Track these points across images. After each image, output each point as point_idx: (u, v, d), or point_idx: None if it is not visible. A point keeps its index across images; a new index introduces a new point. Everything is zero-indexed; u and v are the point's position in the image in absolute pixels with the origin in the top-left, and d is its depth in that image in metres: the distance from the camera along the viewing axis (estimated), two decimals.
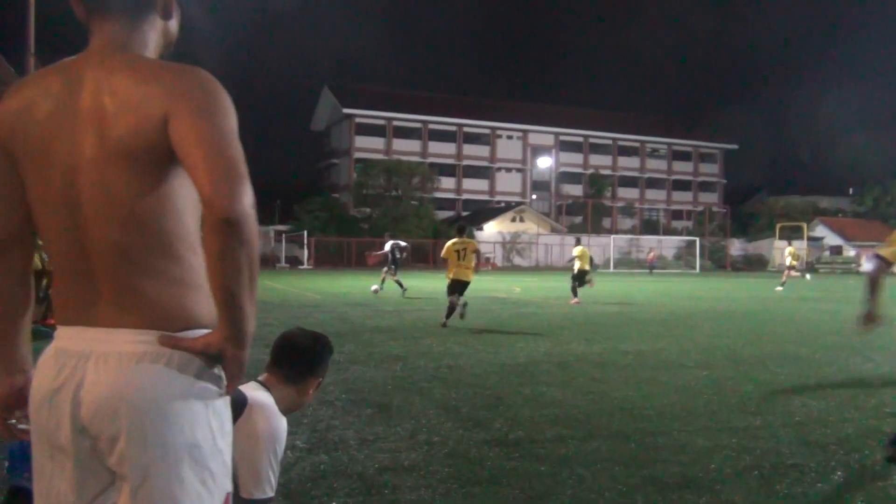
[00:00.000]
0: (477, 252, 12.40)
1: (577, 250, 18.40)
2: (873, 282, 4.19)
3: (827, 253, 64.05)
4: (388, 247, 20.43)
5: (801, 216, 65.74)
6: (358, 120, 63.77)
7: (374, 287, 19.50)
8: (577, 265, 18.24)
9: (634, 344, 9.75)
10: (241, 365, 1.55)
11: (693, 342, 10.04)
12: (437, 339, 10.10)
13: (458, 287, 12.13)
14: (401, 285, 19.32)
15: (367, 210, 53.67)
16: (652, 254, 52.59)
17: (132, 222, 1.53)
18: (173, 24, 1.71)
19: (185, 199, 1.56)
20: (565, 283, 29.11)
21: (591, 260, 18.93)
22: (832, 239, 65.85)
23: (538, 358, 8.40)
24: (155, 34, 1.66)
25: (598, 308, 16.12)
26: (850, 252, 64.66)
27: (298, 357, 2.59)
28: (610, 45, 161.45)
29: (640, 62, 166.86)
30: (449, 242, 12.41)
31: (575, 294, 17.71)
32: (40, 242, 1.70)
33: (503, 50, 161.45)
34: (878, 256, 4.16)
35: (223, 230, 1.43)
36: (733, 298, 20.85)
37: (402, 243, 21.26)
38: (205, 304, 1.57)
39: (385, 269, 19.93)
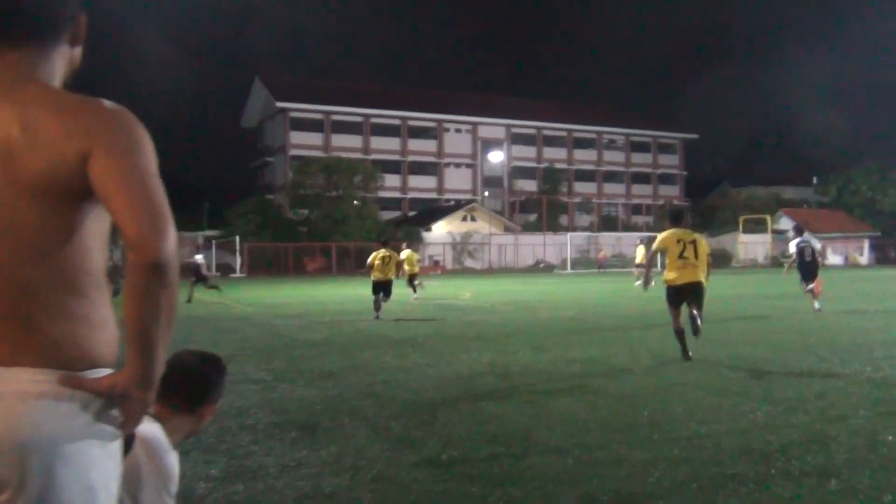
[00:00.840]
0: (398, 264, 15.81)
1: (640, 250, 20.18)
2: (650, 261, 10.44)
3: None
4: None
5: (765, 208, 67.59)
6: (293, 114, 63.32)
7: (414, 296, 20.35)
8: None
9: (584, 351, 9.92)
10: (145, 407, 1.62)
11: (645, 347, 10.25)
12: (374, 352, 10.12)
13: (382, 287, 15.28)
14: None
15: (305, 212, 53.33)
16: (602, 253, 53.44)
17: (38, 257, 1.56)
18: (79, 51, 1.75)
19: (94, 235, 1.62)
20: (520, 286, 29.54)
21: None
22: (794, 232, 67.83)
23: (480, 369, 8.48)
24: (63, 62, 1.70)
25: (550, 313, 16.32)
26: (815, 245, 66.66)
27: (189, 383, 2.57)
28: (562, 31, 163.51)
29: (594, 49, 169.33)
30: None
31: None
32: None
33: (449, 38, 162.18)
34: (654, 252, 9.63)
35: (147, 273, 1.52)
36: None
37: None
38: (108, 342, 1.63)
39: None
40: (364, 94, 68.09)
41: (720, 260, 60.71)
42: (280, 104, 62.74)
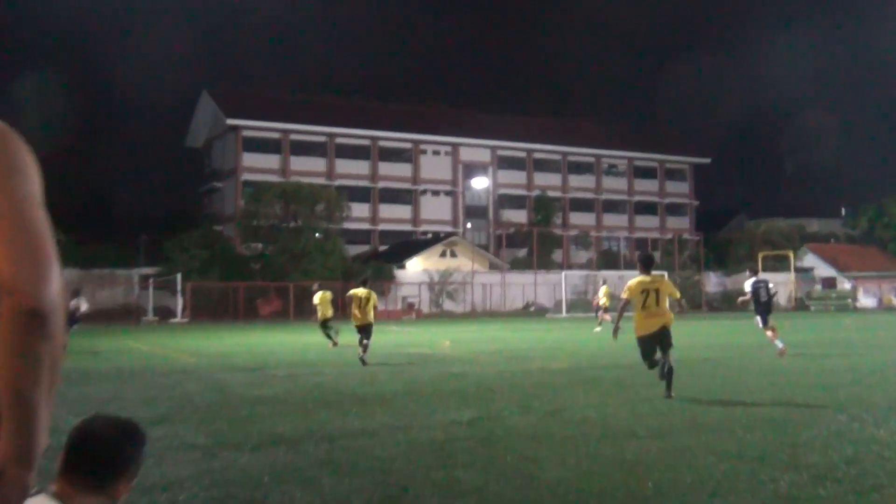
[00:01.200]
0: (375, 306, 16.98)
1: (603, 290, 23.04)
2: (621, 310, 11.77)
3: (818, 287, 66.60)
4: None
5: (787, 243, 68.31)
6: (246, 133, 63.48)
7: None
8: None
9: (579, 410, 9.87)
10: (25, 489, 1.53)
11: (649, 404, 10.22)
12: (335, 411, 10.01)
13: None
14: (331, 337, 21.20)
15: (259, 246, 53.20)
16: (597, 298, 53.51)
17: None
18: None
19: None
20: (507, 332, 29.52)
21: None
22: (823, 269, 68.61)
23: (458, 433, 8.40)
24: None
25: (541, 365, 16.28)
26: (844, 284, 67.41)
27: (100, 456, 2.49)
28: (557, 41, 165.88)
29: (592, 61, 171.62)
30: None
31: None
32: None
33: (427, 46, 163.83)
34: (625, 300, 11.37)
35: (25, 323, 1.44)
36: (705, 346, 21.36)
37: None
38: None
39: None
40: (328, 110, 68.41)
41: (734, 303, 61.20)
42: (231, 121, 62.89)
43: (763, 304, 17.89)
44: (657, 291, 11.00)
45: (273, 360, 17.89)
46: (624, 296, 11.44)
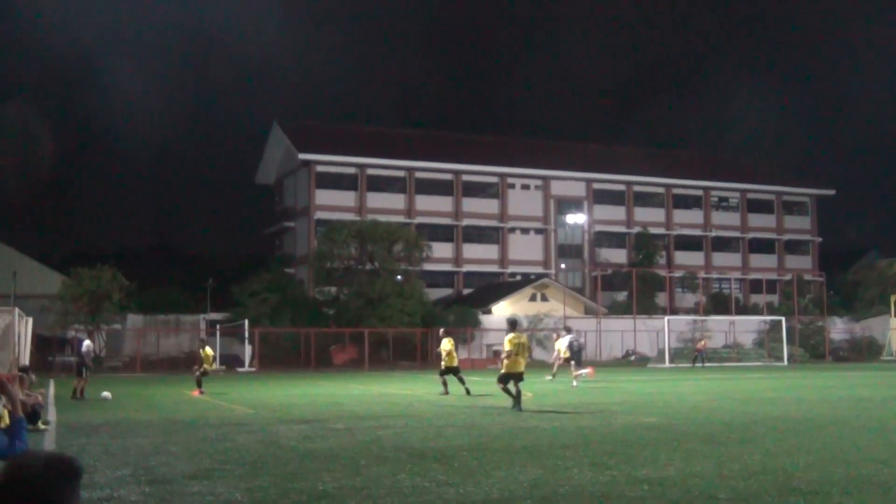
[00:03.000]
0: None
1: (562, 343, 29.62)
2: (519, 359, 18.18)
3: None
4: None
5: None
6: (319, 168, 64.74)
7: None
8: None
9: (658, 468, 9.68)
10: None
11: (740, 464, 9.97)
12: (388, 467, 10.03)
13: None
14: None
15: (333, 290, 53.91)
16: (703, 342, 52.55)
17: None
18: None
19: None
20: (598, 383, 29.18)
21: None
22: None
23: (518, 491, 8.32)
24: None
25: (627, 420, 16.03)
26: None
27: (25, 494, 2.54)
28: (659, 60, 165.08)
29: (699, 84, 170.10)
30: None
31: None
32: None
33: (512, 73, 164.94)
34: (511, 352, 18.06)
35: None
36: (823, 400, 20.77)
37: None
38: None
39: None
40: (407, 143, 69.36)
41: (866, 351, 59.05)
42: (303, 156, 64.25)
43: (576, 353, 29.07)
44: (524, 345, 18.31)
45: (335, 412, 18.02)
46: (510, 349, 17.84)
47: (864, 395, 22.86)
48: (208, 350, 26.55)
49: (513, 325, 18.32)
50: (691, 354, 52.54)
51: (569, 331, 31.16)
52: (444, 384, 23.72)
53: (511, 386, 17.97)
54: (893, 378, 29.89)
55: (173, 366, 45.57)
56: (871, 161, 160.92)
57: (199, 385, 25.19)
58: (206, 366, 25.70)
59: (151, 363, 46.74)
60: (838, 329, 62.80)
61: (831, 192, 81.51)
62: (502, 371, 18.19)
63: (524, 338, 18.56)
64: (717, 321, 58.88)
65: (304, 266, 58.68)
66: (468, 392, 22.74)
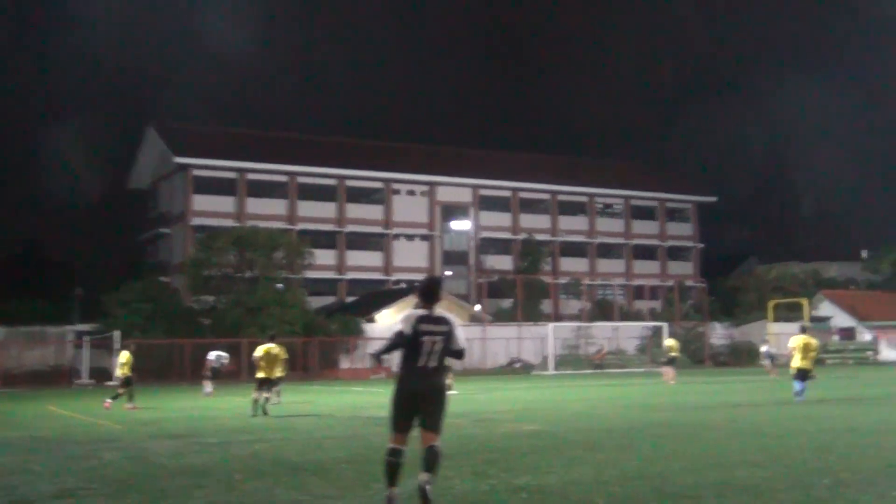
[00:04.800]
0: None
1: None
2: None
3: (836, 338, 66.82)
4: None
5: (801, 290, 68.67)
6: (197, 172, 63.63)
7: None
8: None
9: (538, 476, 9.85)
10: None
11: (618, 469, 10.23)
12: (264, 482, 9.93)
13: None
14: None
15: (210, 299, 52.96)
16: (603, 350, 53.86)
17: None
18: None
19: None
20: (483, 392, 29.45)
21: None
22: (841, 318, 68.89)
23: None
24: None
25: (509, 428, 16.25)
26: (865, 335, 67.65)
27: None
28: (548, 74, 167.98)
29: (583, 91, 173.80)
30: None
31: None
32: None
33: (398, 76, 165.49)
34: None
35: None
36: (701, 405, 21.43)
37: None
38: None
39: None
40: (289, 147, 68.78)
41: (745, 356, 61.22)
42: (180, 159, 63.02)
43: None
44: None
45: (209, 426, 17.75)
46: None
47: (740, 399, 23.70)
48: (123, 357, 24.79)
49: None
50: (579, 362, 53.69)
51: None
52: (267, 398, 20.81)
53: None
54: (768, 383, 31.08)
55: (37, 380, 44.06)
56: (753, 173, 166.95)
57: (129, 398, 23.94)
58: (122, 372, 24.33)
59: (13, 377, 45.04)
60: (718, 334, 64.86)
61: (713, 199, 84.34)
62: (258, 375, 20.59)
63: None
64: (601, 327, 60.18)
65: (180, 274, 57.46)
66: (264, 412, 20.11)
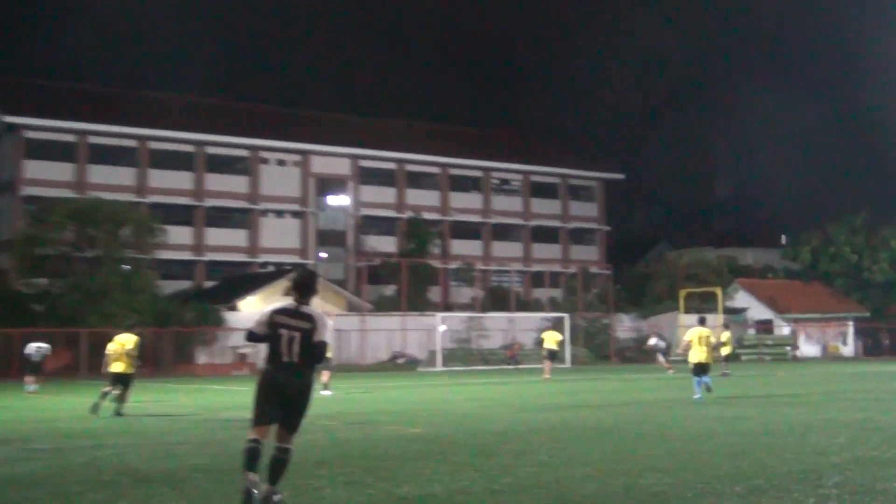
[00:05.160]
0: None
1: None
2: None
3: (752, 331, 69.08)
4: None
5: (716, 278, 70.60)
6: (30, 134, 61.88)
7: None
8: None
9: (421, 485, 9.92)
10: None
11: (512, 477, 10.37)
12: (108, 492, 9.79)
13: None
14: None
15: (44, 282, 51.60)
16: (517, 345, 54.50)
17: None
18: None
19: None
20: (362, 391, 29.46)
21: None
22: (758, 310, 71.27)
23: None
24: None
25: (391, 431, 16.32)
26: (783, 329, 70.17)
27: None
28: (437, 27, 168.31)
29: (482, 53, 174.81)
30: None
31: None
32: None
33: (270, 30, 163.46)
34: None
35: None
36: (605, 405, 21.91)
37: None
38: None
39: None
40: (139, 107, 67.23)
41: (651, 352, 62.74)
42: (9, 118, 61.16)
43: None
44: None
45: (42, 430, 17.35)
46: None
47: (647, 399, 24.30)
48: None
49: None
50: (469, 357, 54.10)
51: None
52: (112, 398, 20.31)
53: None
54: (679, 380, 31.89)
55: None
56: (665, 150, 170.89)
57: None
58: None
59: None
60: (625, 327, 66.22)
61: (620, 176, 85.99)
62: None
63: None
64: (495, 318, 60.72)
65: (8, 253, 55.81)
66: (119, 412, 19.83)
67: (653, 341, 45.03)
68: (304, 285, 8.89)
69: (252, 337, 8.89)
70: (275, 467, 8.47)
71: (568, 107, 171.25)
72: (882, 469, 10.65)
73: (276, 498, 8.33)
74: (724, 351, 37.47)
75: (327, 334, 8.74)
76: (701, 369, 22.61)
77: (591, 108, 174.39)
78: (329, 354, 25.39)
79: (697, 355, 22.73)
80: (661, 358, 43.54)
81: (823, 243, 77.90)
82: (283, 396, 8.58)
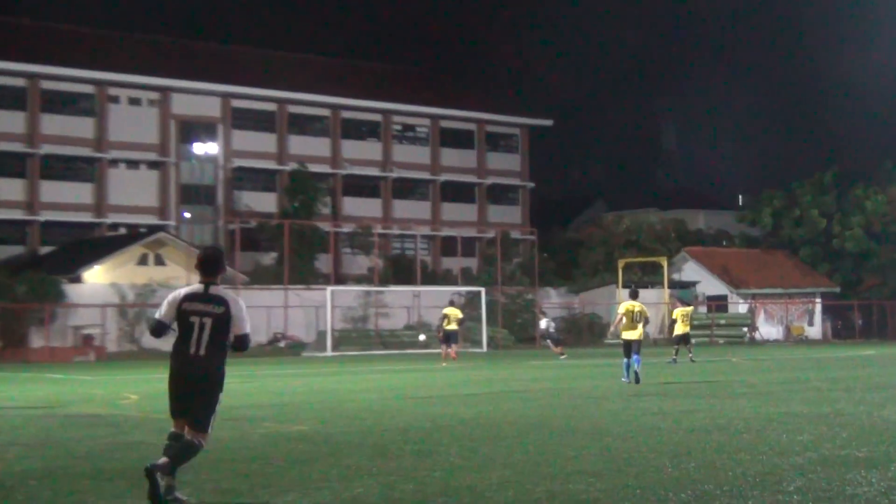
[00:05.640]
0: None
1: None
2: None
3: (703, 310, 70.07)
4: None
5: (661, 246, 71.51)
6: None
7: None
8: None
9: (307, 492, 9.95)
10: None
11: (416, 483, 10.42)
12: None
13: None
14: None
15: None
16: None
17: None
18: None
19: None
20: (234, 379, 29.31)
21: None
22: (710, 284, 72.32)
23: None
24: None
25: (271, 429, 16.29)
26: (739, 306, 71.33)
27: None
28: None
29: None
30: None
31: None
32: None
33: None
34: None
35: None
36: (527, 397, 22.16)
37: None
38: None
39: None
40: None
41: (587, 330, 63.39)
42: None
43: None
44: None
45: None
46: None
47: (579, 389, 24.53)
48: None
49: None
50: (367, 339, 54.08)
51: None
52: None
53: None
54: (616, 367, 32.23)
55: None
56: (602, 94, 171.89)
57: None
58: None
59: None
60: (553, 304, 66.68)
61: (548, 122, 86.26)
62: None
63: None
64: (397, 293, 60.74)
65: None
66: None
67: (543, 324, 45.46)
68: (209, 264, 9.47)
69: (159, 328, 9.48)
70: (176, 449, 9.19)
71: (486, 41, 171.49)
72: (850, 470, 10.89)
73: (177, 494, 9.07)
74: (680, 329, 38.43)
75: (246, 319, 9.42)
76: (630, 346, 23.26)
77: (514, 44, 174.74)
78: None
79: (627, 332, 23.30)
80: (551, 343, 44.21)
81: (787, 205, 78.68)
82: (188, 389, 9.29)
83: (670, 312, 63.48)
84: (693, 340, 40.52)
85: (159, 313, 9.45)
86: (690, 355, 37.74)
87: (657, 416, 17.23)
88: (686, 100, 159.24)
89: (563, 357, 40.63)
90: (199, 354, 9.17)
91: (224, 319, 9.21)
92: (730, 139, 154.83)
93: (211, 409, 9.28)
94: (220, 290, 9.40)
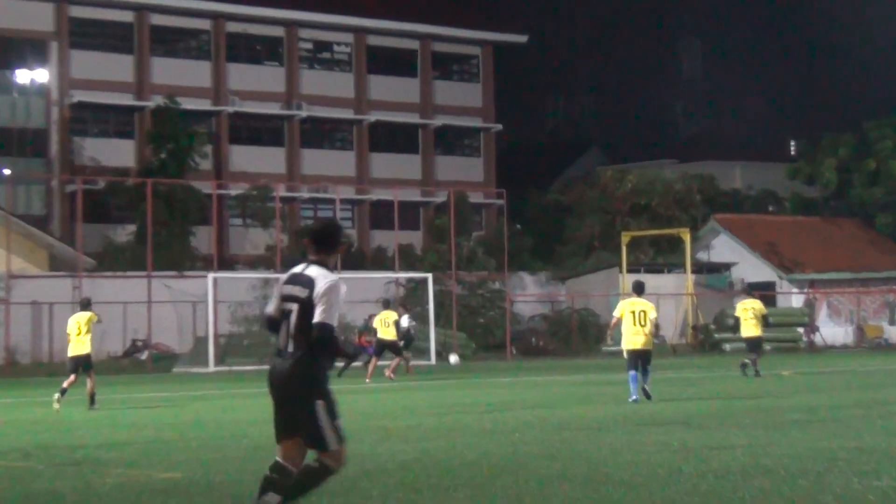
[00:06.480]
0: None
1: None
2: None
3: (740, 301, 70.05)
4: None
5: (681, 212, 71.56)
6: None
7: None
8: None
9: None
10: None
11: None
12: None
13: None
14: None
15: None
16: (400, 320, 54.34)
17: None
18: None
19: None
20: (74, 407, 29.18)
21: None
22: (750, 266, 71.84)
23: None
24: None
25: (129, 476, 16.24)
26: (792, 298, 70.97)
27: None
28: None
29: None
30: None
31: None
32: None
33: None
34: None
35: None
36: (500, 426, 22.17)
37: None
38: None
39: None
40: None
41: (574, 337, 63.37)
42: None
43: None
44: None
45: None
46: None
47: (566, 417, 24.65)
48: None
49: None
50: (258, 347, 54.01)
51: None
52: None
53: None
54: (619, 385, 32.28)
55: None
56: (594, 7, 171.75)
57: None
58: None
59: None
60: (530, 295, 66.58)
61: (521, 38, 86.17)
62: None
63: None
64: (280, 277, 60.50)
65: None
66: None
67: (405, 322, 44.82)
68: (319, 235, 10.10)
69: (268, 323, 10.16)
70: (276, 481, 9.92)
71: None
72: None
73: None
74: (749, 331, 38.58)
75: (325, 306, 9.46)
76: (635, 359, 23.37)
77: None
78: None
79: (630, 340, 23.41)
80: (403, 355, 43.82)
81: (858, 155, 78.28)
82: (276, 396, 9.85)
83: (695, 306, 64.10)
84: (768, 346, 40.44)
85: (270, 304, 10.05)
86: (746, 361, 37.52)
87: (677, 453, 17.28)
88: (716, 7, 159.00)
89: (407, 372, 42.31)
90: (287, 351, 9.58)
91: (308, 304, 9.41)
92: (776, 62, 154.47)
93: (315, 418, 9.55)
94: (315, 268, 9.63)
